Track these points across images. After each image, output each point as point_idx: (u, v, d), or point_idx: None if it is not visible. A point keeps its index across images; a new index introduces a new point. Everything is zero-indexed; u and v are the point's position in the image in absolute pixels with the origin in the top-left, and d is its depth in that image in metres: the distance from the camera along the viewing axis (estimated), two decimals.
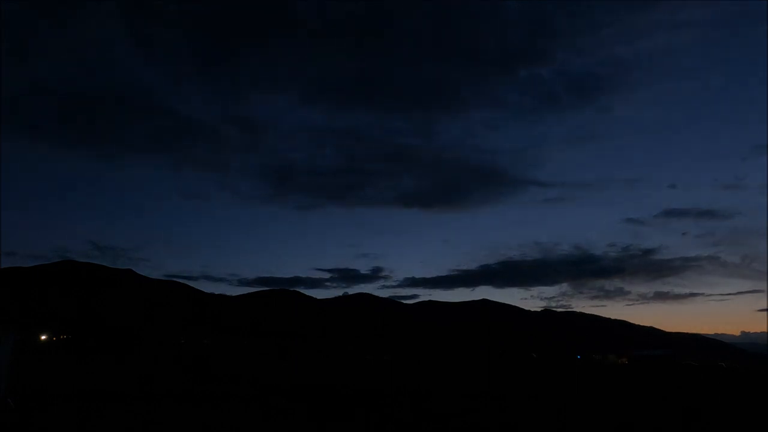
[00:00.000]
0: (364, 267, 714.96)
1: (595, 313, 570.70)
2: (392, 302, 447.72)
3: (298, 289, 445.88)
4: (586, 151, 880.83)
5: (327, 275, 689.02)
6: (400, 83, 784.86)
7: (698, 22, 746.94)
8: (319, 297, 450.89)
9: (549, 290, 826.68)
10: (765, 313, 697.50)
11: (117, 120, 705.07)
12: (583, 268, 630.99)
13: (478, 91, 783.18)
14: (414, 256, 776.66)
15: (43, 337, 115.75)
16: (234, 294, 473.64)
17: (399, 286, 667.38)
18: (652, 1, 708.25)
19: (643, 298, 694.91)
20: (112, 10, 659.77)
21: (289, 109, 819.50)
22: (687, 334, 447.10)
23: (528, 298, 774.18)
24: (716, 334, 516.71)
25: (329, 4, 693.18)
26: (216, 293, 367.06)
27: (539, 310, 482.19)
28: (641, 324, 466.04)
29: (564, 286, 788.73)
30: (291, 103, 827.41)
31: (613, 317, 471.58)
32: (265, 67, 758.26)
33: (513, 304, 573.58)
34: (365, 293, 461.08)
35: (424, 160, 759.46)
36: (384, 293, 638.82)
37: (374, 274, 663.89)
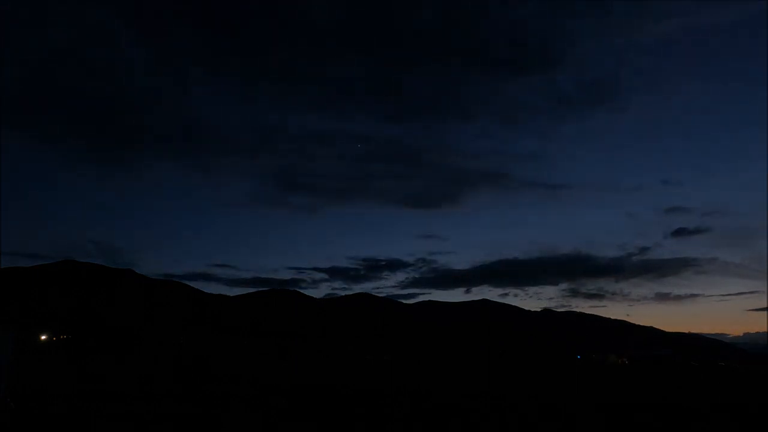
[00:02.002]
0: (364, 267, 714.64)
1: (595, 313, 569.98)
2: (392, 302, 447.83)
3: (297, 289, 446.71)
4: (588, 152, 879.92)
5: (327, 275, 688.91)
6: (408, 83, 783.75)
7: (714, 24, 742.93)
8: (319, 297, 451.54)
9: (549, 290, 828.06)
10: (765, 313, 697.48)
11: (118, 121, 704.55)
12: (583, 268, 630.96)
13: (485, 92, 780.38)
14: (414, 256, 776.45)
15: (43, 337, 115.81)
16: (234, 294, 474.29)
17: (399, 286, 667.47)
18: (668, 1, 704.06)
19: (644, 299, 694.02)
20: (119, 9, 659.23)
21: (290, 111, 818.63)
22: (687, 334, 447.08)
23: (528, 298, 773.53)
24: (716, 334, 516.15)
25: (337, 5, 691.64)
26: (216, 293, 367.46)
27: (539, 310, 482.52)
28: (641, 324, 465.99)
29: (564, 286, 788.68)
30: (293, 103, 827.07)
31: (613, 317, 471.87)
32: (271, 69, 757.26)
33: (513, 304, 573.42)
34: (365, 293, 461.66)
35: (426, 160, 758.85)
36: (384, 293, 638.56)
37: (374, 274, 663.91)
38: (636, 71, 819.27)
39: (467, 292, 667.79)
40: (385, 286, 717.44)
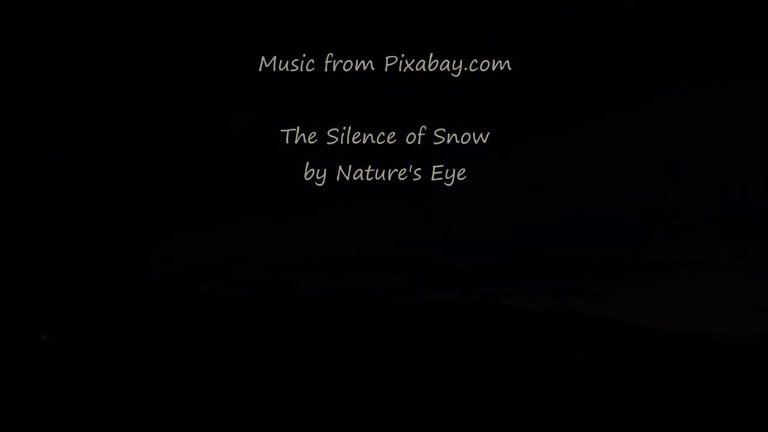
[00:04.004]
0: (364, 267, 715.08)
1: (595, 313, 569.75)
2: (392, 302, 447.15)
3: (297, 289, 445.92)
4: (589, 152, 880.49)
5: (327, 275, 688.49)
6: (411, 83, 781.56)
7: (723, 23, 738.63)
8: (318, 297, 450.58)
9: (548, 290, 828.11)
10: (765, 312, 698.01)
11: (118, 122, 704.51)
12: (583, 268, 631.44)
13: (488, 92, 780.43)
14: (413, 255, 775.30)
15: (43, 337, 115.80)
16: (233, 294, 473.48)
17: (398, 286, 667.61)
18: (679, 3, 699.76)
19: (644, 299, 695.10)
20: (122, 7, 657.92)
21: (289, 110, 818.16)
22: (687, 334, 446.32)
23: (528, 298, 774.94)
24: (716, 334, 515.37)
25: (340, 5, 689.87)
26: (215, 293, 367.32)
27: (539, 310, 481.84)
28: (641, 324, 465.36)
29: (564, 286, 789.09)
30: (292, 103, 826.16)
31: (613, 317, 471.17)
32: (272, 69, 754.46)
33: (513, 304, 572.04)
34: (366, 293, 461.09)
35: (428, 161, 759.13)
36: (384, 293, 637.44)
37: (373, 274, 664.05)
38: (640, 72, 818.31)
39: (467, 292, 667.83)
40: (385, 286, 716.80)
